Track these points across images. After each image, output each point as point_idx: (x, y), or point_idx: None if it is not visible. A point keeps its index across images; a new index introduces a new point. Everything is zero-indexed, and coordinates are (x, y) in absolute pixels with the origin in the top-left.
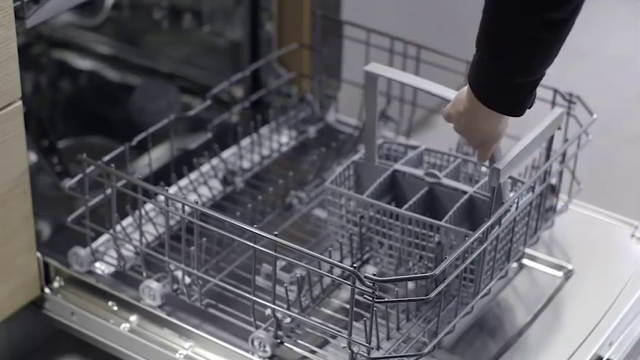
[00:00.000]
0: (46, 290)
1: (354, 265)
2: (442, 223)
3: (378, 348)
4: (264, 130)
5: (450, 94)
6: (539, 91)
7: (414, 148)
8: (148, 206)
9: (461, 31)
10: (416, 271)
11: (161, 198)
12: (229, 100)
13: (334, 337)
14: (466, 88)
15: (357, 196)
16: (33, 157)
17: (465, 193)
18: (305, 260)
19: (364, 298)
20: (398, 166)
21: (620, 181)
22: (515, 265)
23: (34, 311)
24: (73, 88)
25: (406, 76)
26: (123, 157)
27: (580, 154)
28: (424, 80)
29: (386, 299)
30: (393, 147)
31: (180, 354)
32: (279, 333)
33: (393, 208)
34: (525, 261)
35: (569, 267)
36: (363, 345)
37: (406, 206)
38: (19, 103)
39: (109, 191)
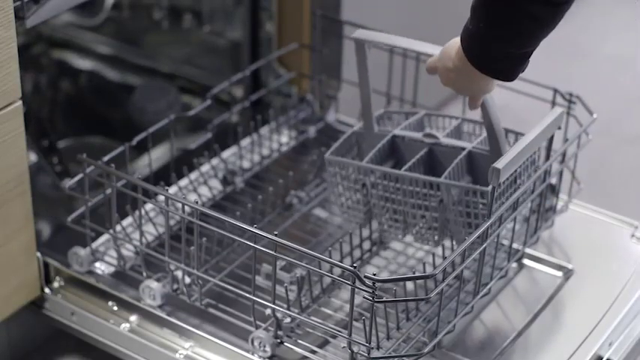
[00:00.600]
0: (46, 290)
1: (354, 265)
2: (441, 179)
3: (378, 348)
4: (264, 130)
5: (438, 51)
6: (539, 91)
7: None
8: (148, 206)
9: (461, 31)
10: (423, 232)
11: (161, 198)
12: (229, 100)
13: (334, 336)
14: (455, 45)
15: (356, 163)
16: (33, 157)
17: (464, 149)
18: (305, 260)
19: (364, 297)
20: (397, 132)
21: (620, 181)
22: (515, 265)
23: (34, 311)
24: (73, 88)
25: (393, 38)
26: (123, 157)
27: (580, 154)
28: (410, 40)
29: (385, 299)
30: (394, 117)
31: (180, 354)
32: (279, 333)
33: (391, 170)
34: (525, 261)
35: (569, 267)
36: (363, 345)
37: (405, 167)
38: (19, 103)
39: (109, 191)
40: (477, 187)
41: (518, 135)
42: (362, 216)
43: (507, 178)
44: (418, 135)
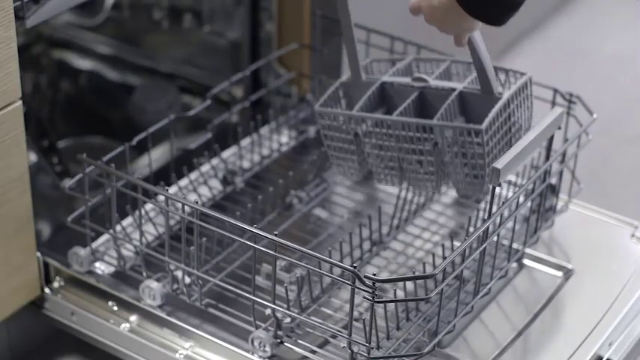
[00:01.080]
0: (46, 290)
1: (354, 265)
2: (434, 121)
3: (378, 347)
4: (264, 130)
5: None
6: (540, 91)
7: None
8: (148, 206)
9: None
10: (420, 178)
11: (161, 198)
12: (229, 100)
13: (334, 336)
14: None
15: (347, 113)
16: (33, 157)
17: (455, 90)
18: (305, 260)
19: (364, 297)
20: (386, 78)
21: (620, 181)
22: (515, 265)
23: (34, 311)
24: (73, 88)
25: None
26: (123, 157)
27: (580, 154)
28: None
29: (385, 299)
30: (382, 65)
31: (180, 354)
32: (279, 333)
33: (383, 116)
34: (525, 261)
35: (569, 267)
36: (363, 345)
37: (397, 112)
38: (19, 103)
39: (109, 191)
40: (470, 125)
41: (508, 72)
42: (356, 167)
43: (498, 119)
44: (407, 80)
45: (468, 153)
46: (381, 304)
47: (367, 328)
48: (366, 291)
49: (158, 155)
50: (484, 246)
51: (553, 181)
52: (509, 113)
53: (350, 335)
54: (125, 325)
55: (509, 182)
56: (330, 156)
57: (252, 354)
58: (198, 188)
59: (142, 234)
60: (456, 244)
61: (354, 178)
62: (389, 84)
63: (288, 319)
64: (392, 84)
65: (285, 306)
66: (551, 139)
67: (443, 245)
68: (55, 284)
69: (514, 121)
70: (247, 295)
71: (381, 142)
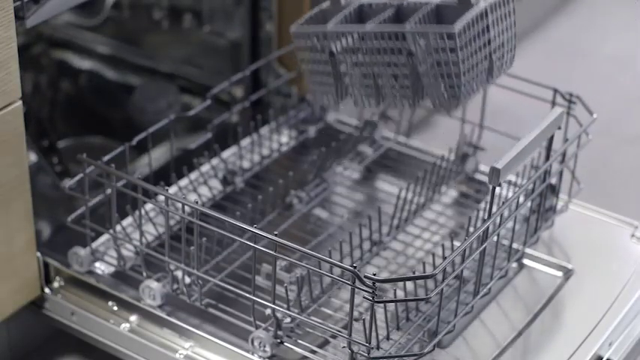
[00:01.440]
0: (46, 290)
1: (354, 265)
2: (406, 27)
3: (378, 347)
4: (264, 130)
5: None
6: (539, 91)
7: None
8: (148, 206)
9: None
10: (395, 94)
11: (161, 198)
12: (229, 100)
13: (334, 337)
14: None
15: (320, 29)
16: (33, 157)
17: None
18: (305, 260)
19: (364, 298)
20: (364, 0)
21: (620, 181)
22: (515, 265)
23: (34, 311)
24: (73, 88)
25: None
26: (123, 157)
27: (580, 154)
28: None
29: (385, 299)
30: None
31: (180, 354)
32: (279, 333)
33: (354, 25)
34: (525, 261)
35: (569, 267)
36: (363, 345)
37: (371, 23)
38: (19, 103)
39: (109, 191)
40: (442, 26)
41: None
42: (333, 91)
43: (473, 26)
44: (385, 0)
45: (442, 61)
46: (381, 304)
47: (367, 328)
48: (366, 291)
49: (158, 155)
50: (484, 246)
51: (553, 181)
52: (488, 25)
53: (350, 335)
54: (125, 325)
55: (509, 182)
56: (308, 83)
57: (252, 354)
58: (198, 188)
59: (142, 234)
60: (456, 244)
61: (331, 104)
62: (367, 5)
63: (288, 319)
64: (370, 5)
65: (285, 306)
66: (551, 139)
67: (443, 245)
68: (55, 284)
69: (493, 36)
70: (247, 295)
71: (356, 58)
